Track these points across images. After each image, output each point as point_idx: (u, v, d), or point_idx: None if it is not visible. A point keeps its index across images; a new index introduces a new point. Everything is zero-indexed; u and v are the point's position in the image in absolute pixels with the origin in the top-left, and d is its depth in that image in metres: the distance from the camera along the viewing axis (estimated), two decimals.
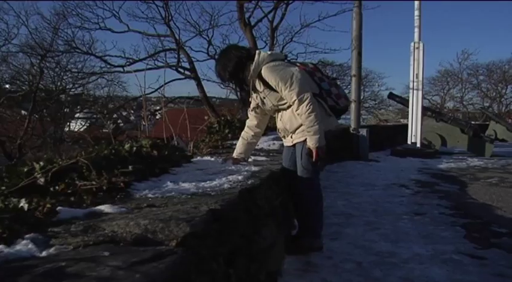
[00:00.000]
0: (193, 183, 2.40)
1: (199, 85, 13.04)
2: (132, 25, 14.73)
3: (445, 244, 3.88)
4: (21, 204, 1.76)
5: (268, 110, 3.57)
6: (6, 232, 1.51)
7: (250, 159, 3.87)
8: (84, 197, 1.99)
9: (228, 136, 6.15)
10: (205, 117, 7.65)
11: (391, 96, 14.55)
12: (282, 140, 3.78)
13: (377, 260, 3.46)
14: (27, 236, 1.51)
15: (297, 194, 3.60)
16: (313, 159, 3.32)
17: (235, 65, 3.40)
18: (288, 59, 3.66)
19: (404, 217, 4.90)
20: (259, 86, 3.41)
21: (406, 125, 12.57)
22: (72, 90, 23.53)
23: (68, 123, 28.23)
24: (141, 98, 8.89)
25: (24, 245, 1.45)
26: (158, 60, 13.83)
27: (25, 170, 2.17)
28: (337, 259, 3.47)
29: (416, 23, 11.71)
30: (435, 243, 3.89)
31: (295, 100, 3.23)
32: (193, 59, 13.80)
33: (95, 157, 2.32)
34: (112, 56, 14.37)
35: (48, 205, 1.76)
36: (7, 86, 22.41)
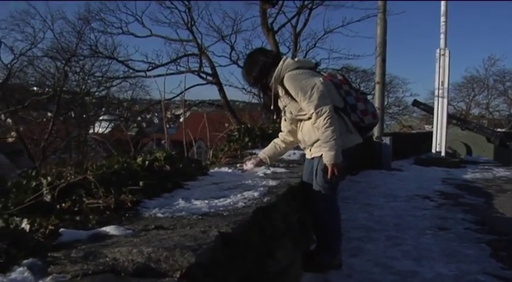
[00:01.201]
0: (206, 201, 2.31)
1: (221, 90, 13.01)
2: (154, 30, 14.75)
3: (469, 263, 3.71)
4: (23, 225, 1.69)
5: (289, 119, 3.46)
6: (3, 257, 1.44)
7: (269, 171, 3.77)
8: (90, 216, 1.91)
9: (248, 145, 6.03)
10: (226, 125, 7.57)
11: (416, 103, 14.31)
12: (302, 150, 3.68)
13: (398, 280, 3.31)
14: (25, 261, 1.43)
15: (313, 210, 3.48)
16: (328, 176, 3.20)
17: (260, 70, 3.30)
18: (318, 67, 3.53)
19: (427, 232, 4.73)
20: (281, 93, 3.30)
21: (431, 133, 12.32)
22: (96, 93, 23.73)
23: (92, 126, 28.52)
24: (162, 103, 8.85)
25: (20, 273, 1.37)
26: (180, 65, 13.88)
27: (32, 185, 2.11)
28: (356, 278, 3.34)
29: (442, 29, 11.47)
30: (459, 262, 3.73)
31: (313, 113, 3.10)
32: (215, 64, 13.81)
33: (104, 172, 2.24)
34: (135, 60, 14.48)
35: (51, 227, 1.68)
36: (34, 88, 22.80)
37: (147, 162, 2.59)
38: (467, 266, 3.64)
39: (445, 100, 11.54)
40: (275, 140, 3.69)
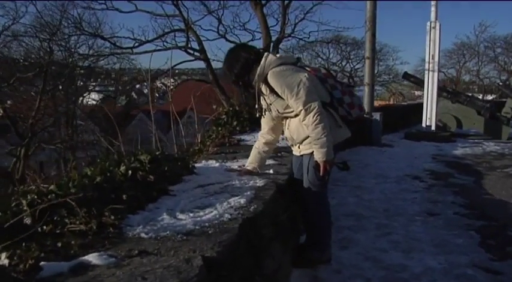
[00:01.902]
0: (191, 214, 2.26)
1: (209, 66, 12.80)
2: (140, 5, 14.34)
3: (458, 254, 3.73)
4: (2, 260, 1.65)
5: (275, 117, 3.40)
6: None
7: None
8: (72, 242, 1.86)
9: (237, 129, 5.98)
10: (214, 107, 7.45)
11: (406, 76, 14.23)
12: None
13: (387, 275, 3.32)
14: None
15: (303, 206, 3.47)
16: (320, 174, 3.17)
17: (242, 67, 3.21)
18: (300, 63, 3.44)
19: (417, 219, 4.75)
20: (265, 91, 3.23)
21: (421, 104, 12.25)
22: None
23: (82, 98, 28.14)
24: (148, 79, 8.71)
25: None
26: (167, 42, 13.57)
27: (12, 206, 2.05)
28: (346, 274, 3.35)
29: (433, 2, 11.29)
30: (448, 253, 3.74)
31: (301, 110, 3.04)
32: (203, 38, 13.57)
33: (85, 190, 2.18)
34: (120, 37, 14.15)
35: (31, 261, 1.64)
36: (21, 61, 22.37)
37: (130, 172, 2.53)
38: (456, 257, 3.66)
39: (435, 74, 11.45)
40: (257, 146, 3.52)
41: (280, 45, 14.40)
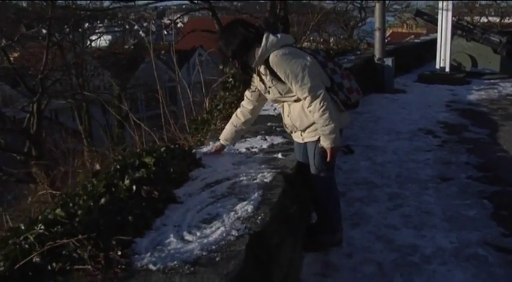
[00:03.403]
0: (198, 234, 2.27)
1: (214, 15, 12.40)
2: None
3: (470, 230, 3.73)
4: None
5: (272, 100, 3.31)
6: None
7: (265, 144, 3.74)
8: None
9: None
10: (220, 67, 7.27)
11: (419, 13, 13.69)
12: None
13: (398, 259, 3.35)
14: None
15: (312, 191, 3.45)
16: (328, 159, 3.13)
17: (240, 44, 3.04)
18: (297, 44, 3.31)
19: (429, 185, 4.72)
20: (264, 72, 3.11)
21: (435, 41, 11.84)
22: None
23: (89, 43, 27.69)
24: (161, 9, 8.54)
25: None
26: None
27: (20, 241, 2.07)
28: (357, 258, 3.38)
29: None
30: (460, 229, 3.75)
31: (307, 96, 2.97)
32: None
33: (91, 210, 2.18)
34: None
35: None
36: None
37: (134, 187, 2.51)
38: (468, 234, 3.67)
39: (450, 13, 11.01)
40: (233, 121, 3.50)
41: None
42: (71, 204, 2.34)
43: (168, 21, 17.33)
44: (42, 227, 2.13)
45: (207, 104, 6.10)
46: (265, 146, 3.75)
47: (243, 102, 3.51)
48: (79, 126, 23.33)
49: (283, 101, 3.23)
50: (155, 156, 2.98)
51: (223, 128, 4.48)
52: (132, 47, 30.20)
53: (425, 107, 8.57)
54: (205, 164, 3.32)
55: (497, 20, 25.77)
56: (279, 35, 3.12)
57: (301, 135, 3.28)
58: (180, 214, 2.52)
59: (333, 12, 18.36)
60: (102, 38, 30.82)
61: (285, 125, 3.41)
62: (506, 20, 26.13)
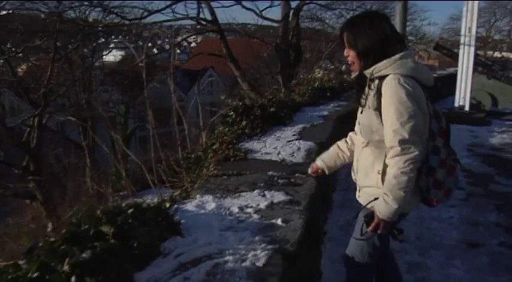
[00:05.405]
0: None
1: (222, 38, 11.82)
2: None
3: None
4: None
5: (359, 131, 2.52)
6: None
7: (263, 203, 3.04)
8: None
9: (245, 132, 5.22)
10: (222, 97, 6.64)
11: (438, 47, 13.09)
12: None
13: None
14: None
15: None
16: (368, 229, 2.38)
17: (378, 42, 2.30)
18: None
19: (455, 253, 4.00)
20: (371, 90, 2.38)
21: (453, 76, 11.19)
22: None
23: (102, 56, 27.25)
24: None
25: None
26: (176, 12, 12.47)
27: None
28: None
29: None
30: None
31: (395, 146, 2.21)
32: (217, 5, 12.54)
33: None
34: (128, 6, 13.19)
35: None
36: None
37: (73, 279, 1.83)
38: None
39: (472, 49, 10.35)
40: (341, 147, 2.79)
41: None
42: None
43: (177, 41, 16.80)
44: None
45: (204, 139, 5.45)
46: (262, 205, 3.04)
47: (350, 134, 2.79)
48: (83, 141, 22.78)
49: (361, 135, 2.48)
50: (118, 223, 2.31)
51: (217, 175, 3.86)
52: (141, 63, 29.76)
53: None
54: (184, 229, 2.64)
55: (511, 56, 25.18)
56: (414, 62, 2.32)
57: (359, 191, 2.58)
58: None
59: None
60: (112, 53, 30.58)
61: (352, 170, 2.68)
62: None
